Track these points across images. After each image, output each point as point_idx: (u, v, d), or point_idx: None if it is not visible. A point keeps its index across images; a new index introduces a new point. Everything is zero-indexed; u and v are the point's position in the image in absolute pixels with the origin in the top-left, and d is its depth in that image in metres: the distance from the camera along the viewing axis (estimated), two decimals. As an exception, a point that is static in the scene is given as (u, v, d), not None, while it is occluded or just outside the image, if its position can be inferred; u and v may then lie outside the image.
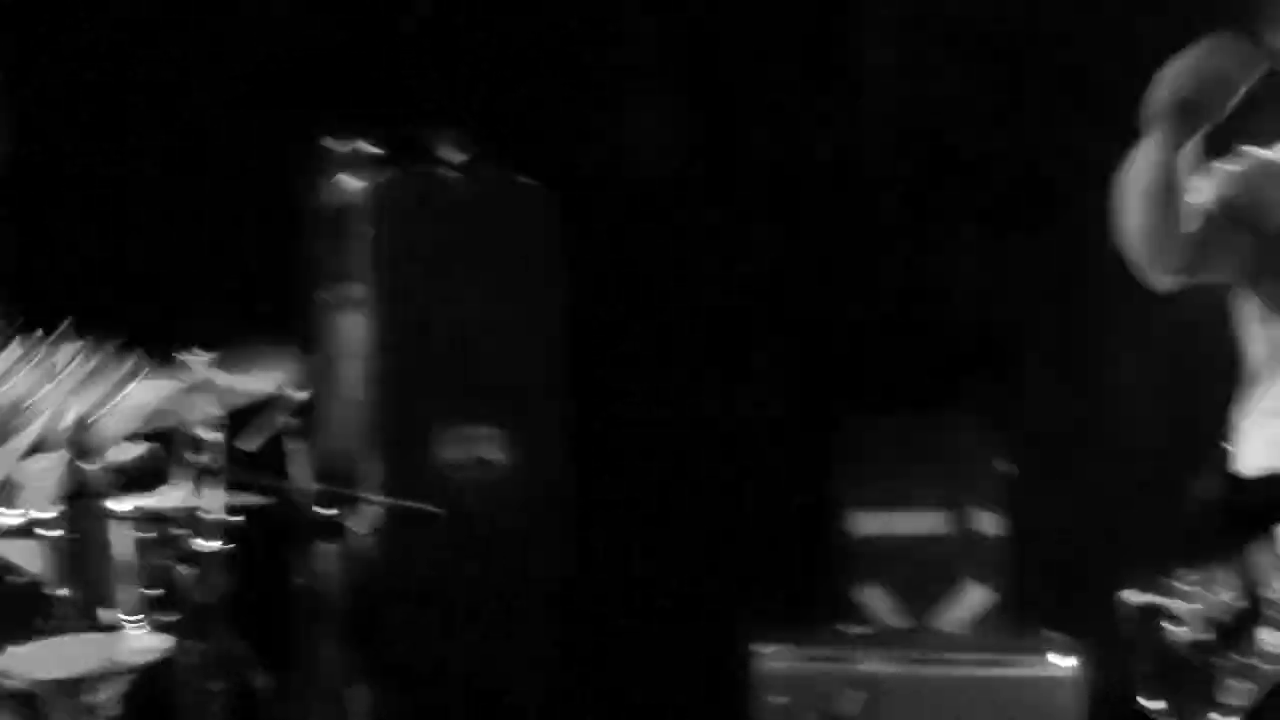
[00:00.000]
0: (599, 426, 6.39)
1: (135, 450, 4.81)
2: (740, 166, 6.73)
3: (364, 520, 5.74)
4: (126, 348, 5.14)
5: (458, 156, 6.27)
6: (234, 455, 5.03)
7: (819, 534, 6.04)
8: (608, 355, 6.55)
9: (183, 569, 4.84)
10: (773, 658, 5.50)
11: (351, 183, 6.15)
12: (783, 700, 5.45)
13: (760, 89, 6.71)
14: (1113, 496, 5.93)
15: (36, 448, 4.63)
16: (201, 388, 4.84)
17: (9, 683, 4.26)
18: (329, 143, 6.25)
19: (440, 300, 6.10)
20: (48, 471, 4.76)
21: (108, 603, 4.29)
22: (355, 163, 6.16)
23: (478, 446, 6.12)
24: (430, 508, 5.43)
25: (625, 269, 6.65)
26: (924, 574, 5.79)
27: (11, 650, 4.21)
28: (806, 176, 6.62)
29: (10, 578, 4.30)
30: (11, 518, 4.41)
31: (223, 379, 4.92)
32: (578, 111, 6.73)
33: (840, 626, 5.74)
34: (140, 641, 4.37)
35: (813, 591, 6.03)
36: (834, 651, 5.49)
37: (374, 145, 6.13)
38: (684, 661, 6.20)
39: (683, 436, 6.58)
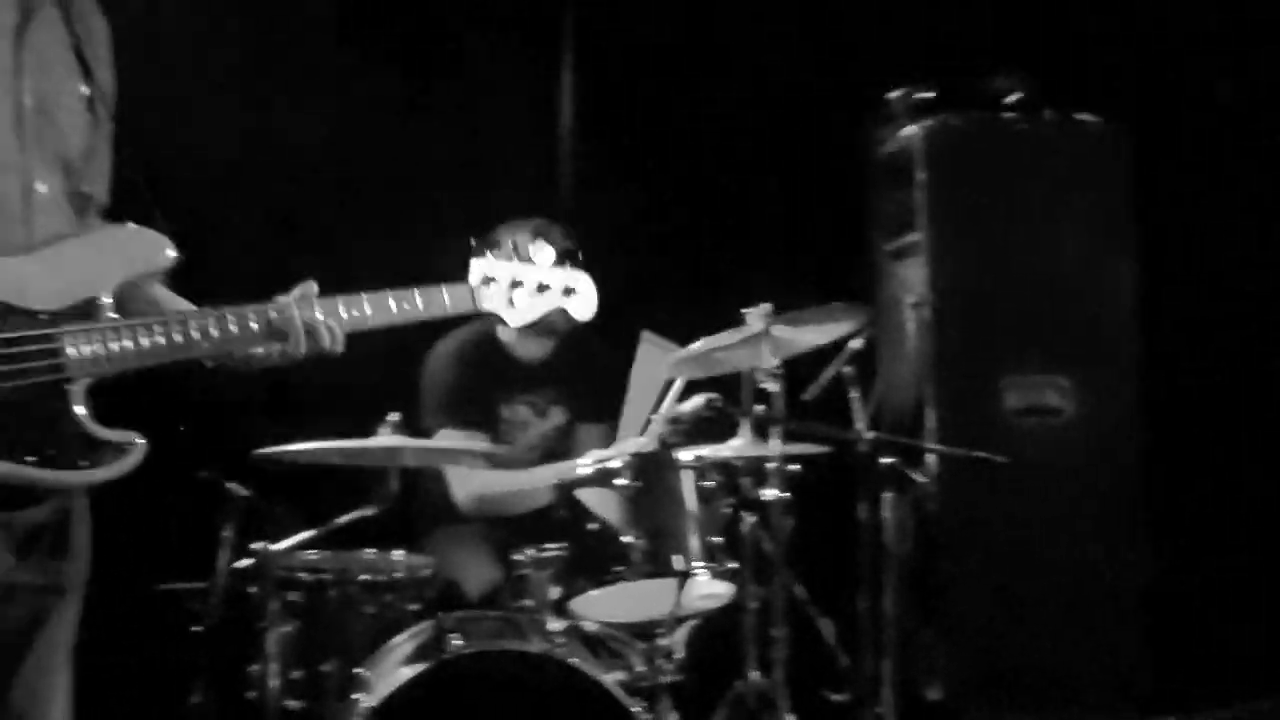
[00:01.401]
0: (1170, 373, 6.10)
1: (697, 401, 4.93)
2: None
3: (926, 469, 5.69)
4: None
5: (1015, 97, 6.11)
6: (794, 405, 5.09)
7: None
8: (1181, 299, 6.24)
9: (746, 517, 4.94)
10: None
11: (907, 130, 6.10)
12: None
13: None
14: None
15: None
16: (761, 339, 4.91)
17: (585, 625, 4.46)
18: (883, 92, 6.22)
19: (1000, 245, 5.97)
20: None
21: (676, 550, 4.40)
22: (910, 110, 6.10)
23: (1043, 394, 5.95)
24: (995, 456, 5.31)
25: (1199, 208, 6.32)
26: None
27: (587, 594, 4.40)
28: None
29: (587, 524, 4.48)
30: (584, 467, 4.61)
31: (782, 330, 4.97)
32: (1147, 46, 6.44)
33: None
34: (706, 588, 4.47)
35: None
36: None
37: (929, 90, 6.05)
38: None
39: (1260, 384, 6.22)
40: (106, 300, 2.74)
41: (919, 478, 5.41)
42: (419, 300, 3.10)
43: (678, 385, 5.06)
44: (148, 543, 5.10)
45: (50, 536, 2.79)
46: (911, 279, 6.05)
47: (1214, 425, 6.16)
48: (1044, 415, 5.91)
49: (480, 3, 6.40)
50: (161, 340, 2.78)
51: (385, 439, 4.41)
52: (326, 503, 4.45)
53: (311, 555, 4.51)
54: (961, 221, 5.99)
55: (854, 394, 5.25)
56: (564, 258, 3.39)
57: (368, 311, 3.03)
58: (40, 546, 2.78)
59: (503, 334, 5.38)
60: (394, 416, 4.43)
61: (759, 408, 4.94)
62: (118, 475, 2.70)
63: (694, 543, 4.40)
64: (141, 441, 2.72)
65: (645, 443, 4.88)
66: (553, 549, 4.50)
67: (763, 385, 4.97)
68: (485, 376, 5.30)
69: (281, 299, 2.95)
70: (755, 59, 6.53)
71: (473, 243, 3.30)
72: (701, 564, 4.39)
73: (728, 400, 4.97)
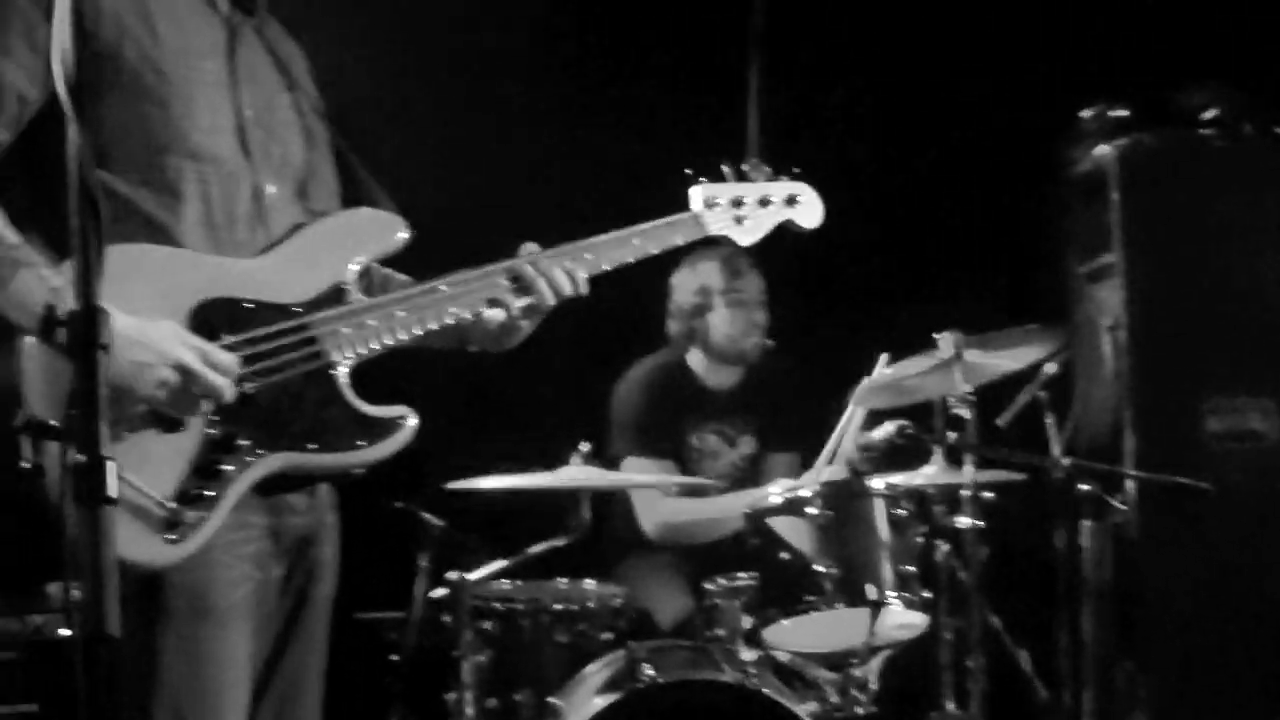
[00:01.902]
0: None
1: (888, 428, 4.88)
2: None
3: (1125, 495, 5.56)
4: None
5: (1212, 114, 5.96)
6: (988, 431, 5.02)
7: None
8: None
9: (940, 545, 4.88)
10: None
11: (1101, 149, 5.98)
12: None
13: None
14: None
15: None
16: (953, 365, 4.86)
17: (777, 655, 4.43)
18: (1077, 110, 6.11)
19: (1198, 265, 5.81)
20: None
21: (869, 579, 4.36)
22: (1104, 128, 5.99)
23: (1247, 418, 5.78)
24: (1197, 483, 5.18)
25: None
26: None
27: (779, 624, 4.37)
28: None
29: (778, 553, 4.47)
30: (775, 495, 4.59)
31: (974, 355, 4.91)
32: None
33: None
34: (900, 618, 4.42)
35: None
36: None
37: (1123, 109, 5.93)
38: None
39: None
40: (351, 284, 2.82)
41: (1118, 504, 5.28)
42: (648, 234, 3.14)
43: (861, 413, 5.03)
44: (345, 573, 5.18)
45: (309, 549, 2.88)
46: (1107, 301, 5.92)
47: None
48: (1248, 440, 5.73)
49: (667, 15, 6.42)
50: (413, 313, 2.85)
51: (575, 469, 4.44)
52: (519, 532, 4.49)
53: (505, 585, 4.56)
54: (1158, 241, 5.85)
55: (1049, 419, 5.16)
56: (779, 172, 3.40)
57: (601, 253, 3.08)
58: (302, 561, 2.87)
59: (692, 361, 5.40)
60: (584, 446, 4.45)
61: (952, 434, 4.88)
62: (394, 451, 2.77)
63: (887, 572, 4.37)
64: (413, 418, 2.78)
65: (836, 470, 4.85)
66: (744, 578, 4.49)
67: (955, 411, 4.91)
68: (674, 405, 5.32)
69: (521, 251, 2.99)
70: (947, 77, 6.48)
71: (688, 171, 3.31)
72: (895, 594, 4.35)
73: (919, 426, 4.92)
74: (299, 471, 2.73)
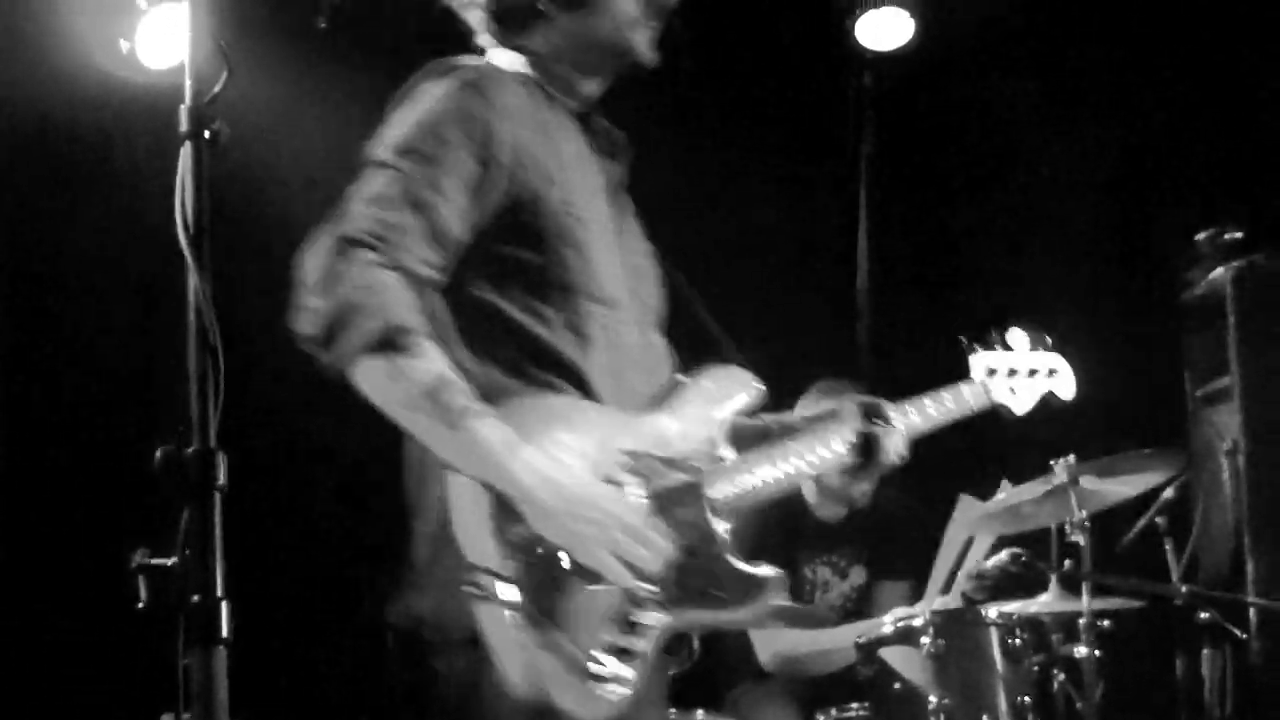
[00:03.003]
0: None
1: (1002, 556, 4.84)
2: None
3: (1248, 624, 5.45)
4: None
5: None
6: (1105, 558, 4.96)
7: None
8: None
9: (1056, 675, 4.81)
10: None
11: (1217, 271, 5.94)
12: None
13: None
14: None
15: None
16: (1068, 490, 4.82)
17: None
18: (1193, 233, 6.08)
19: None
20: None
21: (983, 710, 4.31)
22: (1219, 250, 5.95)
23: (1373, 543, 5.67)
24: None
25: None
26: None
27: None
28: None
29: (891, 684, 4.43)
30: (887, 625, 4.56)
31: (1089, 481, 4.87)
32: None
33: None
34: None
35: None
36: None
37: (1237, 230, 5.89)
38: None
39: None
40: (723, 440, 2.83)
41: (1240, 633, 5.18)
42: (948, 401, 3.23)
43: (981, 541, 4.99)
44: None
45: None
46: (1225, 424, 5.85)
47: None
48: (1374, 566, 5.62)
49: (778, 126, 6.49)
50: (782, 470, 2.88)
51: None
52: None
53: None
54: (1276, 363, 5.78)
55: (1168, 545, 5.10)
56: (1037, 342, 3.49)
57: (915, 418, 3.14)
58: None
59: (805, 492, 5.39)
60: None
61: (1067, 561, 4.82)
62: (772, 605, 2.75)
63: (1002, 703, 4.32)
64: (777, 575, 2.75)
65: (950, 600, 4.81)
66: (856, 709, 4.46)
67: (1071, 538, 4.86)
68: (786, 535, 5.31)
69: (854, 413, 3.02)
70: (1062, 199, 6.48)
71: (963, 340, 3.41)
72: (1014, 726, 4.30)
73: (1034, 554, 4.87)
74: (693, 628, 2.73)
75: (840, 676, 4.90)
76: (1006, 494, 4.99)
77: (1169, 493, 5.14)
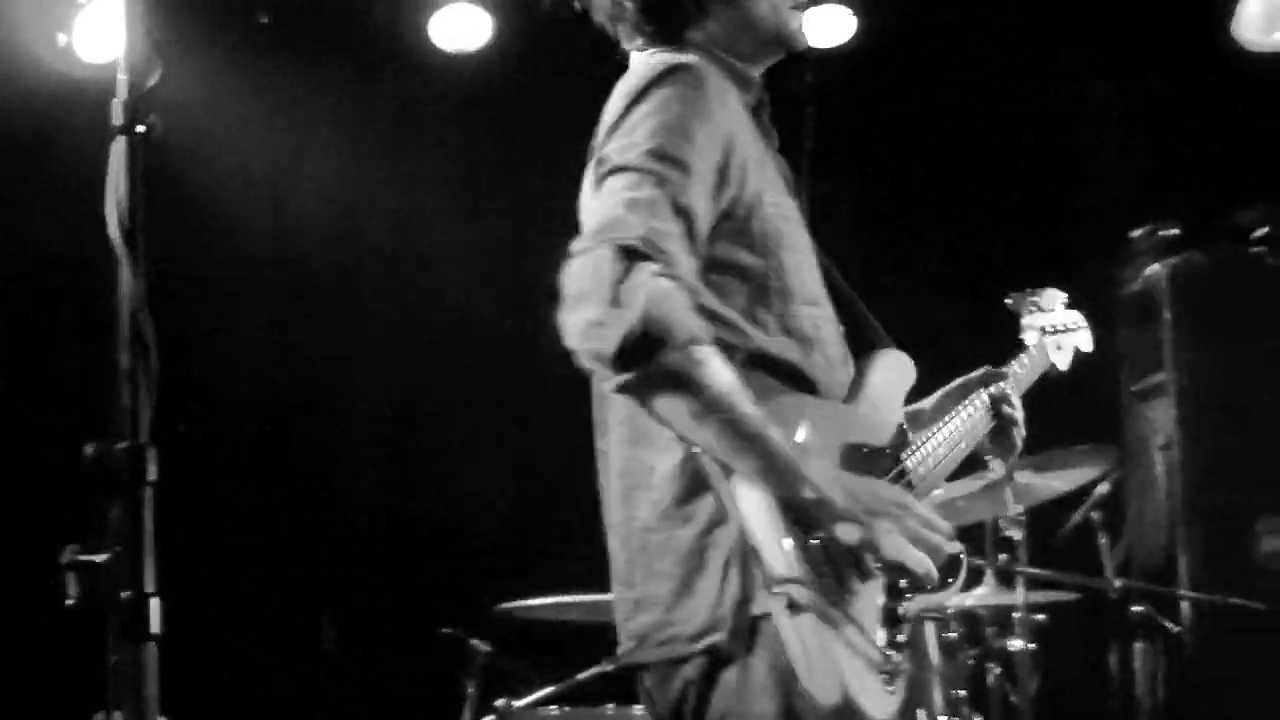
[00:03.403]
0: None
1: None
2: None
3: (1180, 617, 5.52)
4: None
5: (1263, 231, 5.98)
6: (1040, 552, 5.00)
7: None
8: None
9: (991, 668, 4.85)
10: None
11: (1152, 268, 6.00)
12: None
13: None
14: None
15: None
16: (1003, 486, 4.85)
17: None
18: (1128, 230, 6.14)
19: (1250, 383, 5.80)
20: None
21: (920, 704, 4.33)
22: (1155, 247, 6.01)
23: (1302, 537, 5.75)
24: (1252, 603, 5.14)
25: None
26: None
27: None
28: None
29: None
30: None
31: (1025, 476, 4.90)
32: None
33: None
34: (951, 742, 4.40)
35: None
36: None
37: (1174, 227, 5.95)
38: None
39: None
40: (904, 422, 2.83)
41: (1172, 626, 5.25)
42: (1033, 364, 3.31)
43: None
44: (393, 700, 5.24)
45: None
46: (1159, 420, 5.92)
47: None
48: (1305, 559, 5.70)
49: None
50: (958, 439, 2.90)
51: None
52: (567, 658, 4.50)
53: (552, 711, 4.55)
54: (1210, 360, 5.85)
55: (1102, 540, 5.15)
56: (1058, 300, 3.53)
57: (1022, 374, 3.21)
58: None
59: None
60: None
61: (1002, 556, 4.86)
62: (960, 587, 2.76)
63: (937, 696, 4.34)
64: (963, 553, 2.73)
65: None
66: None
67: (1006, 532, 4.90)
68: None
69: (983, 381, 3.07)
70: (999, 195, 6.52)
71: (1009, 301, 3.49)
72: (945, 718, 4.32)
73: (969, 548, 4.90)
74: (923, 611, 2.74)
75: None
76: (942, 489, 5.01)
77: (1103, 488, 5.18)
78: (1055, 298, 3.50)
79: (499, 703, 4.42)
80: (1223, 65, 6.36)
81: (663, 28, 2.79)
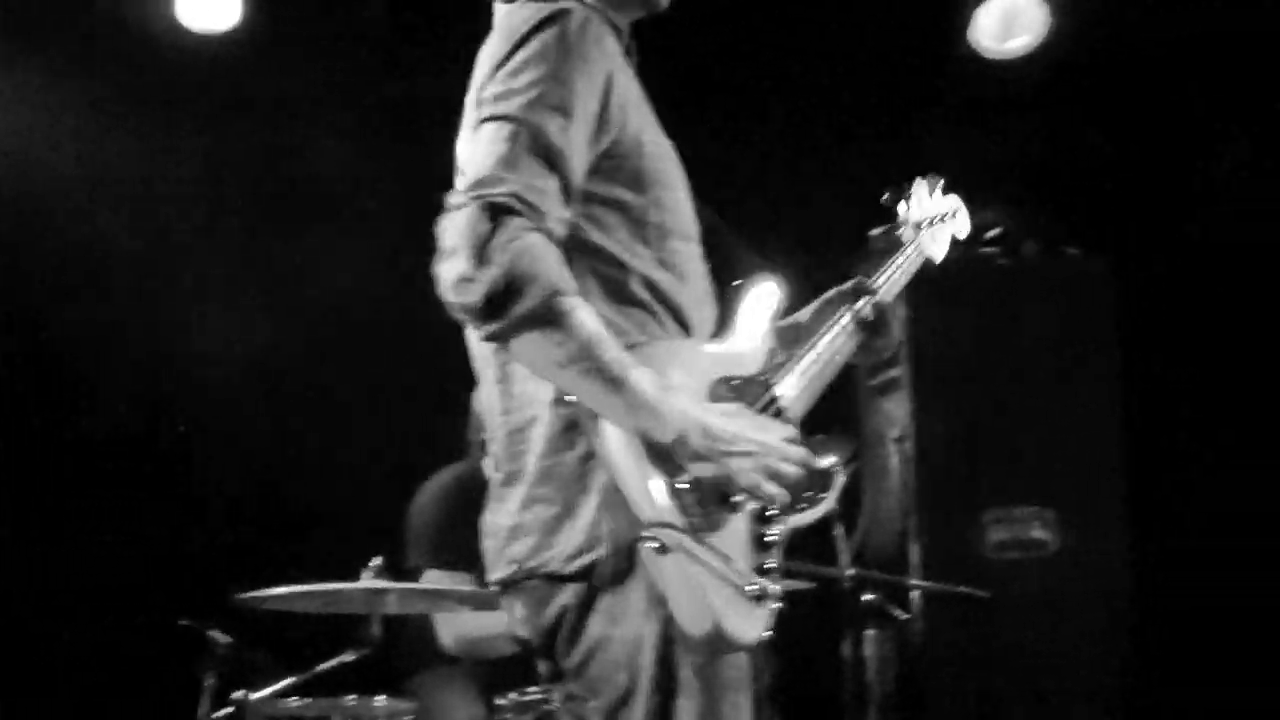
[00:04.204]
0: (1158, 506, 6.11)
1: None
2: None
3: (910, 605, 5.69)
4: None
5: (997, 232, 6.19)
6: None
7: None
8: (1167, 431, 6.27)
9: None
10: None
11: (890, 265, 6.15)
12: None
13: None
14: None
15: None
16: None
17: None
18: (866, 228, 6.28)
19: (983, 378, 6.01)
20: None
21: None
22: (891, 246, 6.15)
23: (1029, 527, 5.97)
24: (978, 592, 5.33)
25: (1182, 339, 6.36)
26: None
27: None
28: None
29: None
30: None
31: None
32: (1131, 177, 6.55)
33: None
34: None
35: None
36: None
37: (912, 226, 6.10)
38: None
39: (1251, 513, 6.23)
40: (774, 346, 2.90)
41: (901, 614, 5.40)
42: (907, 262, 3.41)
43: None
44: (128, 693, 5.13)
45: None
46: (895, 413, 6.10)
47: (1202, 558, 6.16)
48: (1029, 549, 5.92)
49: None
50: (827, 358, 2.98)
51: (369, 583, 4.43)
52: (308, 649, 4.46)
53: (293, 703, 4.51)
54: (944, 355, 6.04)
55: (838, 530, 5.26)
56: (934, 187, 3.64)
57: (899, 276, 3.33)
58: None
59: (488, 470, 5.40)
60: (376, 561, 4.45)
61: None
62: (836, 499, 2.88)
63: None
64: (841, 466, 2.87)
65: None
66: (535, 692, 4.49)
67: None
68: (471, 516, 5.30)
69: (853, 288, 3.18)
70: (738, 193, 6.61)
71: (885, 198, 3.57)
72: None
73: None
74: (793, 531, 2.82)
75: (522, 659, 4.94)
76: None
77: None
78: (933, 184, 3.61)
79: (237, 695, 4.38)
80: (963, 69, 6.57)
81: None
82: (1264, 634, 6.13)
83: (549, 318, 2.48)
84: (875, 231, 3.69)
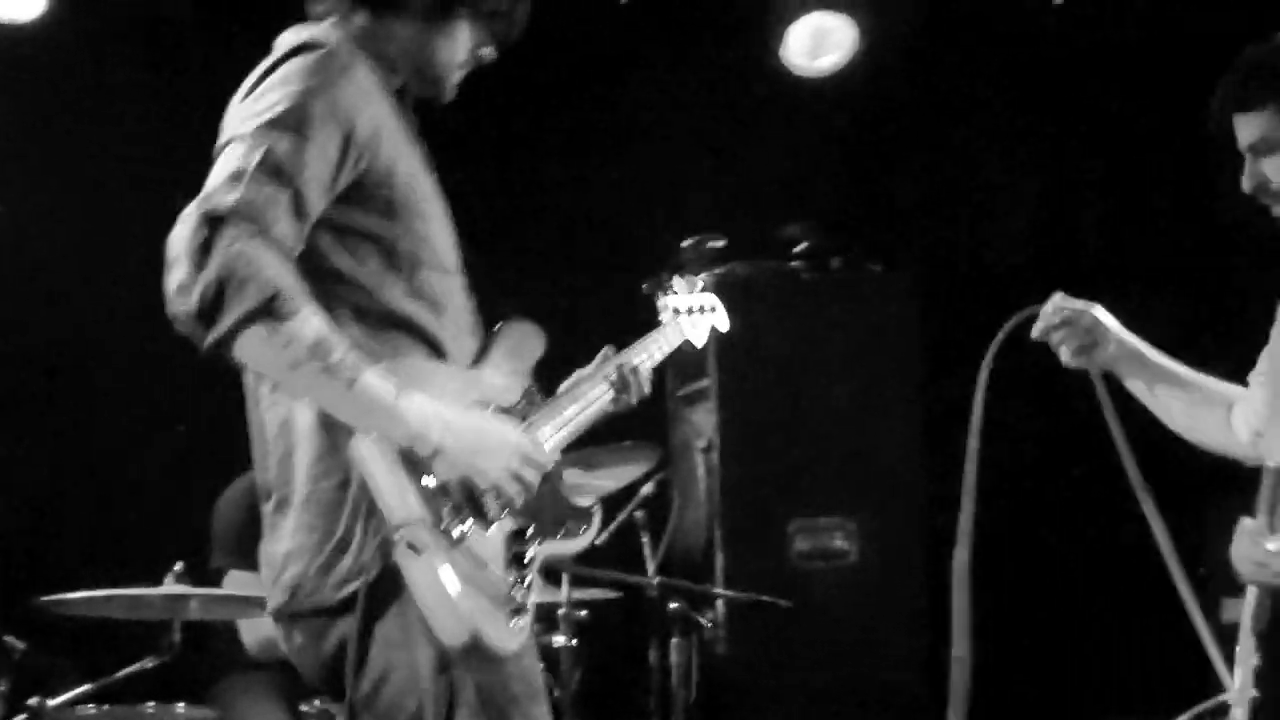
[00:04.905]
0: (955, 516, 6.24)
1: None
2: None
3: (715, 613, 5.76)
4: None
5: (803, 246, 6.29)
6: (584, 550, 5.12)
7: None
8: (964, 443, 6.41)
9: (535, 664, 4.94)
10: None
11: (701, 277, 6.20)
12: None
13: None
14: None
15: None
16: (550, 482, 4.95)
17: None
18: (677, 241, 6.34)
19: (788, 390, 6.10)
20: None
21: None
22: (702, 257, 6.23)
23: (831, 537, 6.07)
24: (778, 600, 5.41)
25: (981, 354, 6.51)
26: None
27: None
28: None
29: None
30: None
31: (572, 475, 5.00)
32: (933, 196, 6.71)
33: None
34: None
35: None
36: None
37: (719, 239, 6.18)
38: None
39: (1048, 530, 6.41)
40: (532, 385, 2.96)
41: (705, 622, 5.47)
42: (661, 341, 3.52)
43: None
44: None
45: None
46: (702, 424, 6.16)
47: (998, 566, 6.29)
48: (831, 558, 6.02)
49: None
50: (581, 407, 3.09)
51: (171, 588, 4.37)
52: (106, 655, 4.38)
53: (90, 710, 4.43)
54: (750, 367, 6.11)
55: (645, 538, 5.31)
56: (694, 285, 3.83)
57: (644, 357, 3.37)
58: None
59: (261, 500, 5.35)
60: (179, 566, 4.39)
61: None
62: (594, 538, 2.99)
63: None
64: (597, 506, 3.00)
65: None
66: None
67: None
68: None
69: (613, 354, 3.27)
70: (555, 199, 6.62)
71: (645, 287, 3.80)
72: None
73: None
74: (551, 561, 2.92)
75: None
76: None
77: (648, 488, 5.35)
78: (693, 283, 3.81)
79: (32, 701, 4.28)
80: (773, 86, 6.67)
81: (358, 6, 2.88)
82: (1052, 640, 6.30)
83: (271, 320, 2.49)
84: (646, 286, 3.82)
